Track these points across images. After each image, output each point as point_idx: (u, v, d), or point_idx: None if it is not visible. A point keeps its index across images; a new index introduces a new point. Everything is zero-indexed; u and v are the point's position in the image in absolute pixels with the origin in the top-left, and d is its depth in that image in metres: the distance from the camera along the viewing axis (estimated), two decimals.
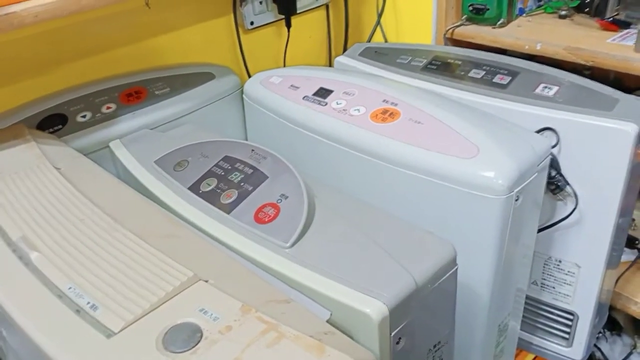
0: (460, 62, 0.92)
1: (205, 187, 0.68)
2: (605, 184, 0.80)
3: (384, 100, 0.79)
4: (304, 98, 0.84)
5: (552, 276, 0.92)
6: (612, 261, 0.90)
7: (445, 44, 1.07)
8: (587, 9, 1.02)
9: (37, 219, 0.56)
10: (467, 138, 0.71)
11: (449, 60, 0.93)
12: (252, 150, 0.71)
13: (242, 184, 0.66)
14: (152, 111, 0.84)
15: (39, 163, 0.66)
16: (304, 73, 0.90)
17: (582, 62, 0.90)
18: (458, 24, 1.06)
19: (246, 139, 0.96)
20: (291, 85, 0.87)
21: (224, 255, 0.56)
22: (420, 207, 0.72)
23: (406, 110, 0.77)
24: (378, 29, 1.17)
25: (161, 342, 0.45)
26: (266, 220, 0.62)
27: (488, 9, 1.02)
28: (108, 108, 0.83)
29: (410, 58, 0.95)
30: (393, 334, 0.54)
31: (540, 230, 0.84)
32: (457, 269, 0.60)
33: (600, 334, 1.14)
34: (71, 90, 0.84)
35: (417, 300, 0.55)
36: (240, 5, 1.01)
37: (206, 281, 0.51)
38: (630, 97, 0.80)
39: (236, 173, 0.68)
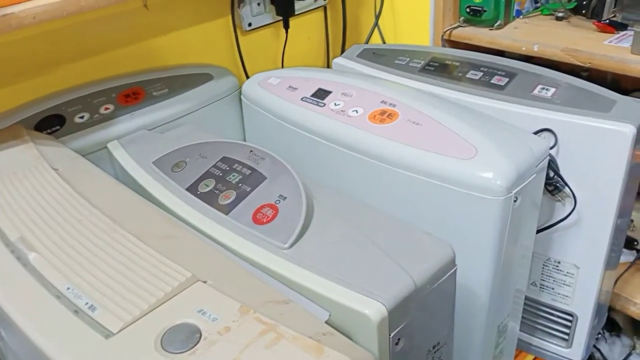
0: (458, 64, 0.92)
1: (203, 188, 0.67)
2: (604, 185, 0.80)
3: (382, 102, 0.79)
4: (302, 99, 0.84)
5: (551, 277, 0.92)
6: (611, 262, 0.91)
7: (443, 46, 1.08)
8: (584, 11, 1.03)
9: (35, 220, 0.56)
10: (466, 139, 0.71)
11: (446, 62, 0.93)
12: (251, 151, 0.71)
13: (240, 184, 0.66)
14: (150, 112, 0.84)
15: (37, 164, 0.66)
16: (302, 74, 0.90)
17: (580, 64, 0.91)
18: (455, 25, 1.06)
19: (244, 140, 0.96)
20: (289, 87, 0.87)
21: (222, 256, 0.56)
22: (419, 208, 0.72)
23: (404, 111, 0.77)
24: (376, 30, 1.17)
25: (160, 343, 0.45)
26: (264, 221, 0.62)
27: (485, 11, 1.02)
28: (106, 109, 0.83)
29: (408, 59, 0.95)
30: (392, 334, 0.54)
31: (539, 231, 0.84)
32: (456, 269, 0.60)
33: (600, 335, 1.14)
34: (69, 91, 0.84)
35: (416, 301, 0.55)
36: (238, 6, 1.01)
37: (205, 282, 0.51)
38: (628, 99, 0.81)
39: (234, 174, 0.68)
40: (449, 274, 0.59)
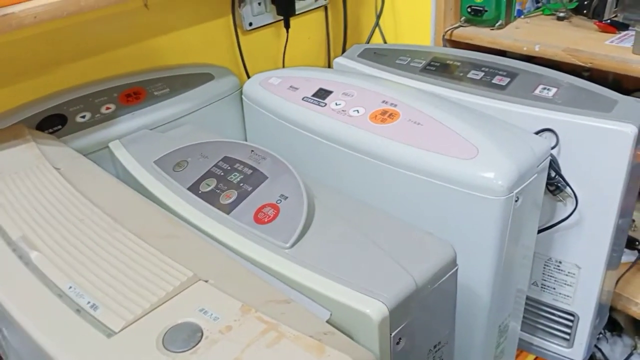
0: (459, 64, 0.92)
1: (204, 188, 0.67)
2: (605, 185, 0.80)
3: (383, 101, 0.79)
4: (303, 99, 0.84)
5: (553, 277, 0.92)
6: (612, 262, 0.91)
7: (444, 45, 1.08)
8: (585, 11, 1.03)
9: (37, 219, 0.56)
10: (467, 139, 0.71)
11: (447, 62, 0.93)
12: (252, 150, 0.71)
13: (241, 184, 0.66)
14: (151, 112, 0.84)
15: (39, 163, 0.66)
16: (303, 74, 0.90)
17: (581, 64, 0.91)
18: (457, 25, 1.07)
19: (245, 140, 0.96)
20: (290, 86, 0.87)
21: (223, 256, 0.56)
22: (420, 207, 0.72)
23: (405, 111, 0.77)
24: (377, 30, 1.17)
25: (161, 342, 0.45)
26: (266, 220, 0.62)
27: (486, 11, 1.02)
28: (107, 108, 0.83)
29: (409, 59, 0.95)
30: (393, 334, 0.54)
31: (540, 231, 0.84)
32: (457, 269, 0.60)
33: (601, 335, 1.14)
34: (71, 91, 0.84)
35: (417, 301, 0.55)
36: (239, 6, 1.01)
37: (206, 281, 0.51)
38: (629, 99, 0.81)
39: (236, 173, 0.68)
40: (450, 273, 0.59)
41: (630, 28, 0.95)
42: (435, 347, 0.63)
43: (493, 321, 0.77)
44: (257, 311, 0.47)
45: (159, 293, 0.48)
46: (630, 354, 1.14)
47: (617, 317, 1.14)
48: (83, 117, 0.81)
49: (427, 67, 0.92)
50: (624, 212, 0.85)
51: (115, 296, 0.48)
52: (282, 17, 1.06)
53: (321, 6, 1.14)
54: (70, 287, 0.49)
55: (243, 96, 0.92)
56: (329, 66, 1.19)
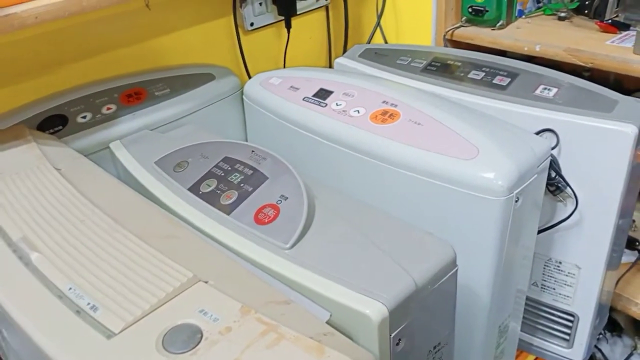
0: (459, 64, 0.92)
1: (205, 188, 0.68)
2: (605, 185, 0.80)
3: (383, 102, 0.79)
4: (304, 99, 0.84)
5: (553, 277, 0.92)
6: (613, 262, 0.91)
7: (445, 46, 1.08)
8: (586, 11, 1.03)
9: (37, 220, 0.57)
10: (467, 139, 0.71)
11: (448, 62, 0.93)
12: (252, 151, 0.71)
13: (242, 184, 0.66)
14: (152, 112, 0.84)
15: (40, 164, 0.66)
16: (304, 74, 0.90)
17: (582, 64, 0.90)
18: (457, 25, 1.06)
19: (246, 140, 0.96)
20: (291, 87, 0.87)
21: (223, 256, 0.56)
22: (420, 208, 0.72)
23: (406, 111, 0.77)
24: (378, 30, 1.17)
25: (161, 343, 0.45)
26: (266, 221, 0.62)
27: (487, 11, 1.02)
28: (108, 109, 0.83)
29: (410, 59, 0.95)
30: (393, 335, 0.54)
31: (540, 232, 0.84)
32: (457, 270, 0.60)
33: (601, 335, 1.14)
34: (72, 91, 0.84)
35: (417, 302, 0.55)
36: (240, 6, 1.01)
37: (206, 282, 0.51)
38: (630, 99, 0.81)
39: (236, 174, 0.68)
40: (450, 274, 0.59)
41: (631, 28, 0.95)
42: (435, 347, 0.63)
43: (493, 321, 0.77)
44: (257, 312, 0.47)
45: (159, 294, 0.48)
46: (630, 354, 1.14)
47: (617, 318, 1.14)
48: (84, 117, 0.81)
49: (428, 67, 0.92)
50: (624, 213, 0.85)
51: (115, 297, 0.48)
52: (283, 17, 1.06)
53: (322, 6, 1.14)
54: (70, 288, 0.49)
55: (244, 96, 0.92)
56: (330, 66, 1.19)
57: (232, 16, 1.01)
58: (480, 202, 0.67)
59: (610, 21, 0.97)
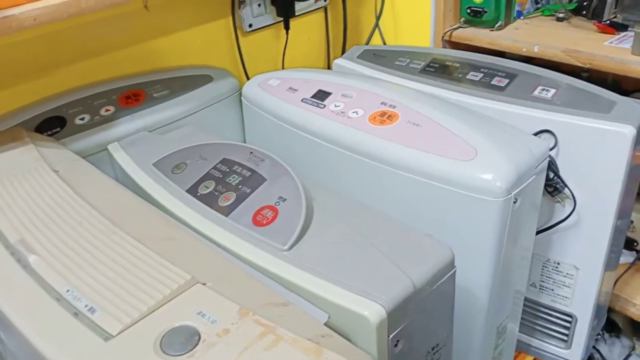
0: (458, 65, 0.92)
1: (203, 190, 0.68)
2: (603, 186, 0.80)
3: (382, 103, 0.79)
4: (302, 100, 0.84)
5: (551, 278, 0.92)
6: (611, 263, 0.91)
7: (444, 47, 1.08)
8: (585, 12, 1.03)
9: (35, 222, 0.56)
10: (466, 140, 0.71)
11: (447, 63, 0.93)
12: (251, 152, 0.71)
13: (240, 186, 0.66)
14: (150, 114, 0.84)
15: (37, 166, 0.66)
16: (302, 75, 0.90)
17: (580, 65, 0.91)
18: (456, 26, 1.07)
19: (244, 142, 0.96)
20: (289, 88, 0.87)
21: (221, 258, 0.56)
22: (419, 209, 0.72)
23: (404, 112, 0.77)
24: (376, 31, 1.17)
25: (159, 345, 0.45)
26: (264, 222, 0.62)
27: (486, 12, 1.02)
28: (107, 110, 0.83)
29: (408, 60, 0.95)
30: (391, 336, 0.54)
31: (538, 233, 0.84)
32: (455, 271, 0.60)
33: (599, 336, 1.14)
34: (70, 93, 0.84)
35: (415, 303, 0.55)
36: (239, 7, 1.01)
37: (204, 284, 0.51)
38: (628, 100, 0.81)
39: (234, 175, 0.68)
40: (448, 275, 0.59)
41: (629, 29, 0.95)
42: (433, 349, 0.63)
43: (491, 323, 0.77)
44: (255, 314, 0.47)
45: (157, 296, 0.48)
46: (629, 355, 1.14)
47: (615, 318, 1.14)
48: (82, 119, 0.81)
49: (427, 69, 0.92)
50: (622, 213, 0.85)
51: (112, 299, 0.48)
52: (281, 19, 1.06)
53: (321, 7, 1.14)
54: (68, 291, 0.49)
55: (242, 98, 0.92)
56: (329, 67, 1.19)
57: (230, 17, 1.01)
58: (479, 203, 0.68)
59: (608, 22, 0.97)
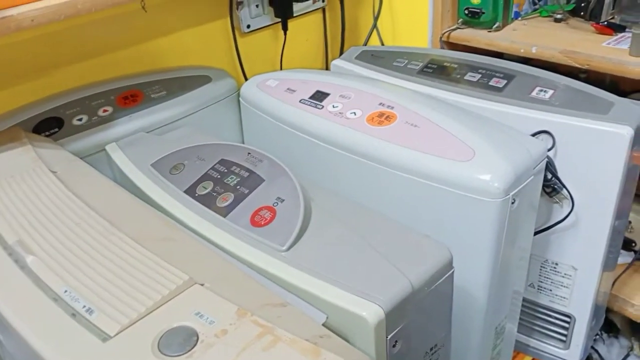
0: (456, 66, 0.92)
1: (201, 191, 0.68)
2: (601, 187, 0.80)
3: (380, 104, 0.79)
4: (300, 101, 0.84)
5: (549, 279, 0.92)
6: (609, 263, 0.91)
7: (442, 47, 1.08)
8: (582, 13, 1.03)
9: (33, 223, 0.56)
10: (463, 141, 0.71)
11: (445, 64, 0.93)
12: (249, 153, 0.71)
13: (238, 187, 0.66)
14: (148, 114, 0.84)
15: (35, 166, 0.66)
16: (301, 76, 0.90)
17: (578, 66, 0.91)
18: (454, 27, 1.07)
19: (243, 142, 0.96)
20: (288, 89, 0.87)
21: (219, 259, 0.56)
22: (417, 210, 0.72)
23: (402, 113, 0.77)
24: (374, 32, 1.17)
25: (157, 346, 0.45)
26: (262, 223, 0.62)
27: (484, 13, 1.02)
28: (104, 111, 0.83)
29: (406, 61, 0.95)
30: (389, 337, 0.54)
31: (536, 233, 0.84)
32: (453, 272, 0.60)
33: (597, 336, 1.14)
34: (68, 93, 0.84)
35: (414, 303, 0.55)
36: (237, 8, 1.01)
37: (202, 285, 0.51)
38: (626, 101, 0.81)
39: (232, 176, 0.68)
40: (446, 276, 0.59)
41: (627, 30, 0.96)
42: (431, 349, 0.63)
43: (489, 323, 0.77)
44: (253, 315, 0.47)
45: (155, 297, 0.48)
46: (627, 355, 1.14)
47: (614, 319, 1.14)
48: (80, 119, 0.81)
49: (425, 69, 0.92)
50: (620, 214, 0.85)
51: (110, 300, 0.48)
52: (279, 20, 1.06)
53: (319, 8, 1.14)
54: (66, 291, 0.49)
55: (240, 98, 0.92)
56: (327, 68, 1.19)
57: (228, 18, 1.01)
58: (477, 203, 0.68)
59: (606, 23, 0.98)
